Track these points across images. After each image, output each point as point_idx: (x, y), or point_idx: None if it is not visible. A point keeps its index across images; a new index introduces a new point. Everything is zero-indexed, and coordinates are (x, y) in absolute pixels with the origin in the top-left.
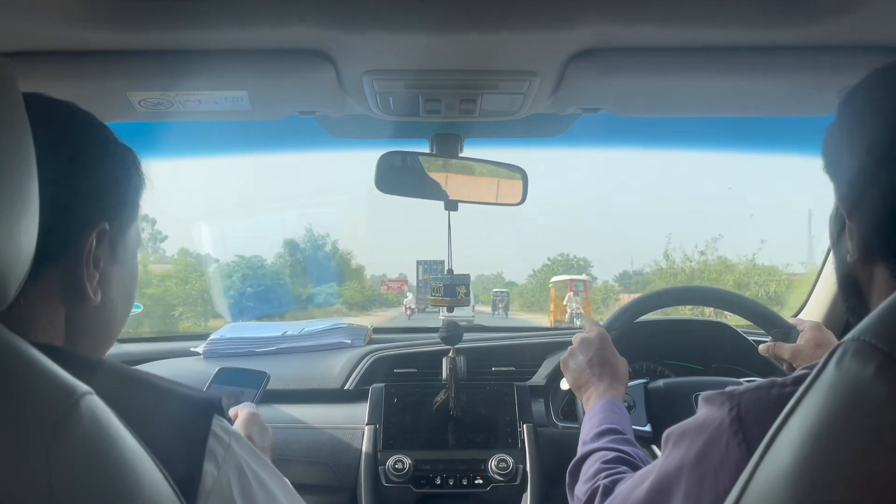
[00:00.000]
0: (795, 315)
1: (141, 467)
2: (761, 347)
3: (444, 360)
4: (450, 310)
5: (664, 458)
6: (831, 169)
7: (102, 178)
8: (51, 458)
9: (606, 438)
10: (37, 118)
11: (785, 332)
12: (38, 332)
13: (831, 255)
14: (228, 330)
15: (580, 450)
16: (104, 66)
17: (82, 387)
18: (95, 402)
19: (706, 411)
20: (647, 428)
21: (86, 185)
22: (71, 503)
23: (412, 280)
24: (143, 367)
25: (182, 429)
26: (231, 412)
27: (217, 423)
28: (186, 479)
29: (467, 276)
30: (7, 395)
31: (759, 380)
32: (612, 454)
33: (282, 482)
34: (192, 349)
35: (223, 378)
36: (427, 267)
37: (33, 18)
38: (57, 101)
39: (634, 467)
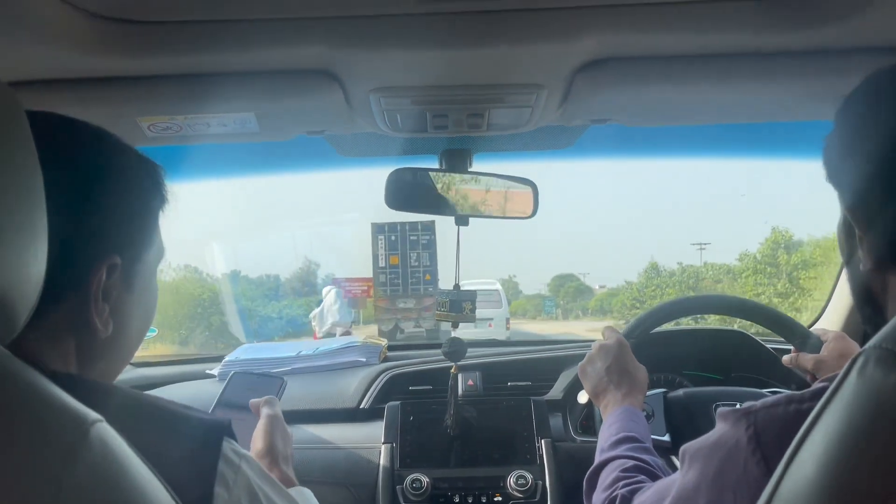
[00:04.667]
0: (812, 325)
1: (151, 493)
2: (784, 358)
3: (459, 377)
4: (455, 326)
5: (682, 475)
6: (834, 178)
7: (116, 211)
8: (62, 486)
9: (625, 447)
10: (46, 146)
11: (807, 341)
12: (48, 364)
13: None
14: (243, 351)
15: (598, 457)
16: (113, 93)
17: (92, 414)
18: (105, 430)
19: (722, 428)
20: (667, 438)
21: (95, 219)
22: None
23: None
24: (160, 391)
25: (192, 453)
26: (252, 404)
27: (227, 445)
28: (199, 503)
29: (474, 293)
30: (18, 424)
31: (779, 389)
32: (630, 462)
33: (292, 502)
34: (207, 371)
35: (237, 383)
36: (387, 237)
37: (42, 46)
38: (71, 127)
39: (653, 476)
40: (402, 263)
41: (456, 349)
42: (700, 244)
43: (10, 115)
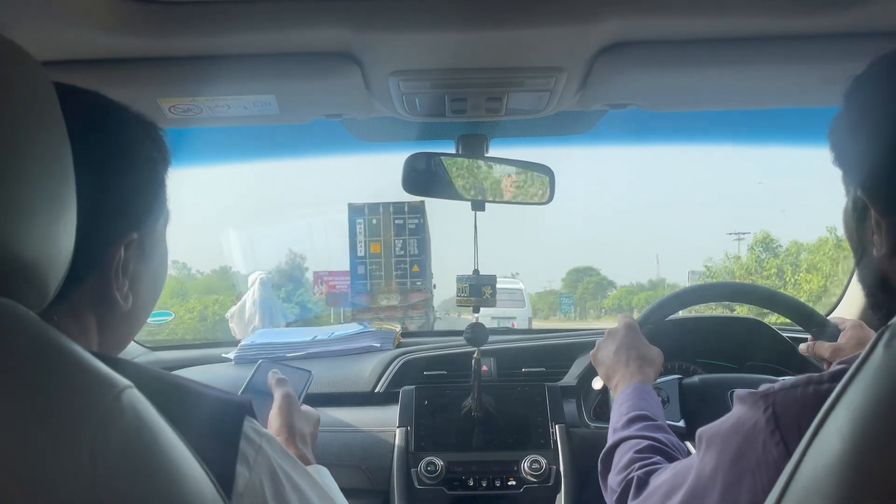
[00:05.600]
0: (829, 314)
1: (183, 460)
2: (801, 346)
3: (473, 360)
4: (475, 310)
5: (699, 458)
6: (843, 160)
7: (132, 188)
8: (95, 448)
9: (637, 426)
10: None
11: (825, 330)
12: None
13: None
14: (259, 336)
15: (610, 437)
16: (135, 74)
17: (123, 380)
18: (136, 395)
19: (740, 410)
20: (681, 424)
21: (113, 197)
22: (116, 494)
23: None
24: (178, 373)
25: (214, 431)
26: (271, 379)
27: (248, 424)
28: (220, 480)
29: (493, 277)
30: (52, 387)
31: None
32: (644, 443)
33: (313, 482)
34: (223, 355)
35: (265, 372)
36: (367, 221)
37: (65, 27)
38: (86, 102)
39: (668, 456)
40: (385, 252)
41: (477, 335)
42: (738, 234)
43: (40, 91)
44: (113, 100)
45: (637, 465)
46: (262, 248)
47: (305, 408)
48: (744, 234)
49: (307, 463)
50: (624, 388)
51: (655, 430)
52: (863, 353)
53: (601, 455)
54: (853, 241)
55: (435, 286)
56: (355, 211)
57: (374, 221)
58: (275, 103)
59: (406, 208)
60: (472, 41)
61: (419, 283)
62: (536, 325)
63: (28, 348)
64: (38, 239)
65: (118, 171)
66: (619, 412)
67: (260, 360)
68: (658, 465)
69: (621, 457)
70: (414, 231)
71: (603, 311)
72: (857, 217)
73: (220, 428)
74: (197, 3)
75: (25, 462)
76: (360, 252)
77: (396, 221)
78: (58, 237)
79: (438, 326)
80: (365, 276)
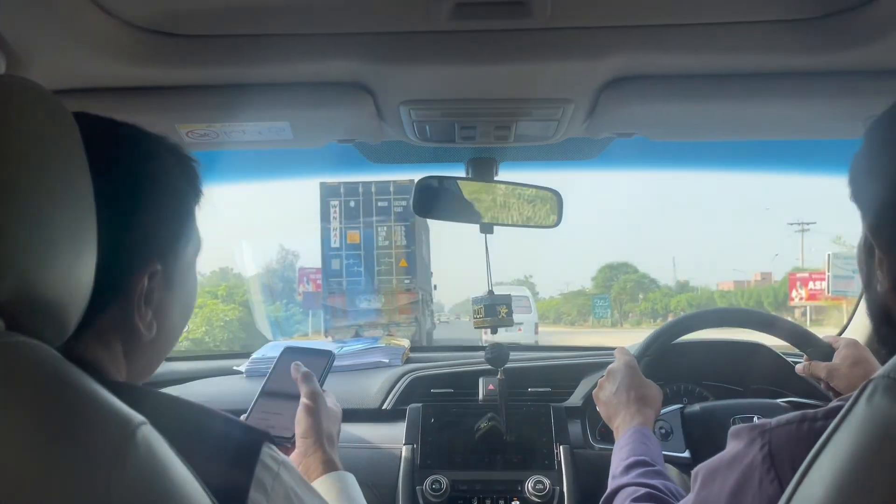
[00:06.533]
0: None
1: (193, 493)
2: (798, 367)
3: (480, 380)
4: (493, 331)
5: (695, 495)
6: (858, 197)
7: (156, 219)
8: (111, 486)
9: (635, 472)
10: (89, 152)
11: (821, 350)
12: (100, 367)
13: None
14: (270, 349)
15: (610, 484)
16: (153, 101)
17: (138, 417)
18: (150, 432)
19: (736, 447)
20: (686, 454)
21: (137, 227)
22: None
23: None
24: (188, 386)
25: (231, 457)
26: (293, 373)
27: (267, 451)
28: None
29: (508, 297)
30: (68, 425)
31: (793, 399)
32: (641, 490)
33: None
34: (234, 367)
35: (289, 357)
36: (343, 203)
37: (87, 57)
38: (110, 132)
39: (664, 503)
40: (366, 243)
41: (498, 354)
42: (801, 223)
43: (60, 123)
44: (146, 131)
45: None
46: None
47: (329, 401)
48: (808, 224)
49: (333, 468)
50: (625, 432)
51: (653, 475)
52: (848, 403)
53: (600, 502)
54: (863, 274)
55: (436, 287)
56: (329, 191)
57: (353, 204)
58: (289, 129)
59: (392, 188)
60: (481, 73)
61: (407, 282)
62: (568, 336)
63: (45, 386)
64: (57, 276)
65: (143, 200)
66: (619, 457)
67: (283, 348)
68: None
69: None
70: (401, 216)
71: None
72: (867, 252)
73: (236, 455)
74: (214, 37)
75: (42, 497)
76: (335, 242)
77: (380, 204)
78: (77, 274)
79: (441, 332)
80: (340, 273)
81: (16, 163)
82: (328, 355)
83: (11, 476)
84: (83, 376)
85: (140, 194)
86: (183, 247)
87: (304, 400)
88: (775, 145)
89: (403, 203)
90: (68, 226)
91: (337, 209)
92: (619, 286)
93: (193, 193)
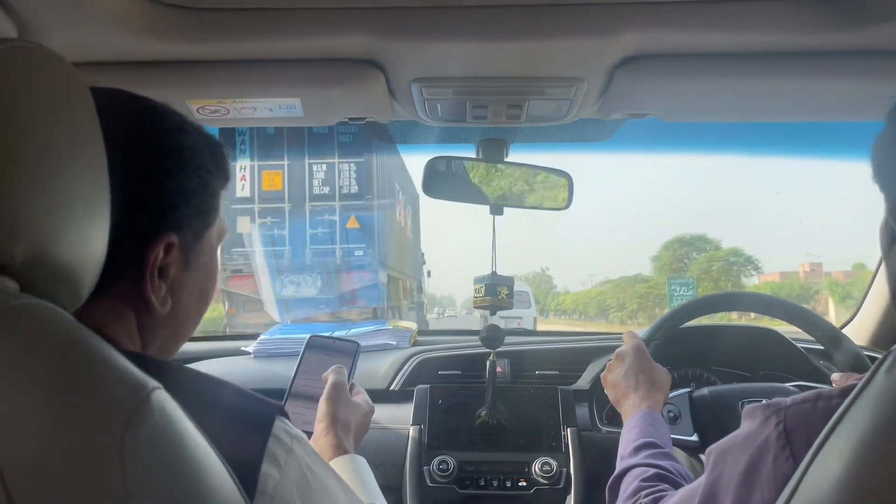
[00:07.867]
0: (844, 326)
1: (206, 460)
2: (834, 376)
3: (488, 362)
4: (492, 313)
5: (707, 475)
6: (881, 178)
7: (173, 190)
8: (124, 449)
9: (644, 453)
10: (108, 124)
11: (830, 335)
12: (112, 338)
13: (882, 267)
14: (278, 330)
15: (618, 465)
16: (165, 76)
17: (152, 381)
18: (164, 397)
19: (750, 426)
20: (695, 438)
21: (158, 196)
22: (142, 489)
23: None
24: (197, 366)
25: (243, 429)
26: (323, 378)
27: (280, 425)
28: (244, 478)
29: (511, 278)
30: (81, 387)
31: (803, 383)
32: (650, 471)
33: (340, 482)
34: (242, 348)
35: (315, 345)
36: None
37: (100, 30)
38: (131, 105)
39: (674, 483)
40: (293, 191)
41: (493, 336)
42: None
43: (74, 92)
44: (176, 111)
45: (644, 492)
46: None
47: (360, 398)
48: None
49: (343, 452)
50: (633, 414)
51: (662, 457)
52: (865, 376)
53: (609, 483)
54: (886, 258)
55: (429, 274)
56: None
57: (271, 130)
58: (300, 106)
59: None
60: (493, 51)
61: (360, 254)
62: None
63: (60, 348)
64: (70, 240)
65: (165, 171)
66: (627, 438)
67: (309, 336)
68: (664, 493)
69: (628, 485)
70: (349, 149)
71: None
72: (889, 234)
73: (249, 426)
74: (227, 10)
75: (55, 459)
76: (243, 190)
77: (315, 130)
78: (91, 238)
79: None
80: (249, 238)
81: (29, 126)
82: (354, 347)
83: (25, 435)
84: (98, 339)
85: (162, 164)
86: (203, 226)
87: (326, 388)
88: (794, 127)
89: (352, 133)
90: (81, 190)
91: (246, 141)
92: (696, 265)
93: (219, 176)
